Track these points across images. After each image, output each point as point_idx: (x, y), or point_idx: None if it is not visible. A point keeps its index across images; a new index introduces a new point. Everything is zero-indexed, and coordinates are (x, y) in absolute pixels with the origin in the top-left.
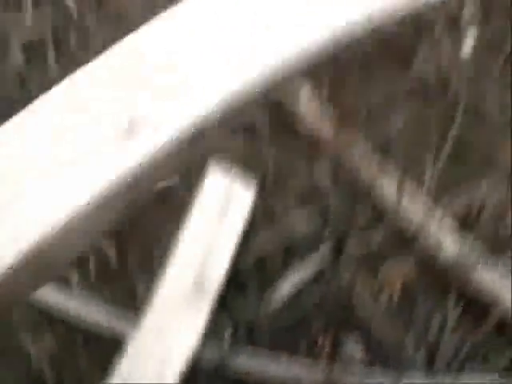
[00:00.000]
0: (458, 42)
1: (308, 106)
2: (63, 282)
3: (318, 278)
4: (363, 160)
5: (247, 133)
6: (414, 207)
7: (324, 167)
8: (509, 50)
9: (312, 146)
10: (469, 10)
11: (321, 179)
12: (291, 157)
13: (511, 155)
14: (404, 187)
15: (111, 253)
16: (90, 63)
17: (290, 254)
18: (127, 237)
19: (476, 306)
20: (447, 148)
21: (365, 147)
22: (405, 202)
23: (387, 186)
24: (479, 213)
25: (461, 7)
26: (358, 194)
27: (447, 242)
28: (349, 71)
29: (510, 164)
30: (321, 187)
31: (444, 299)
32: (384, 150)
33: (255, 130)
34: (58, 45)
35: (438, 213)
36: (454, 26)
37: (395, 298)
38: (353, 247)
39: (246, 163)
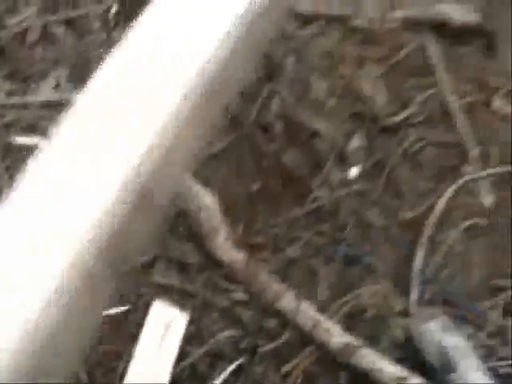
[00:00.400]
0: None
1: (224, 244)
2: None
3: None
4: (269, 281)
5: (180, 271)
6: (309, 312)
7: (240, 290)
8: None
9: (230, 275)
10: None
11: (238, 299)
12: (216, 285)
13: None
14: (301, 298)
15: (84, 378)
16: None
17: (217, 358)
18: (95, 361)
19: (363, 380)
20: (336, 263)
21: (270, 272)
22: (302, 309)
23: (288, 300)
24: (362, 312)
25: (347, 141)
26: (267, 307)
27: (335, 334)
28: (256, 210)
29: (389, 269)
30: (238, 305)
31: (337, 378)
32: (286, 270)
33: (186, 268)
34: None
35: (328, 314)
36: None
37: (299, 382)
38: (265, 347)
39: (181, 295)
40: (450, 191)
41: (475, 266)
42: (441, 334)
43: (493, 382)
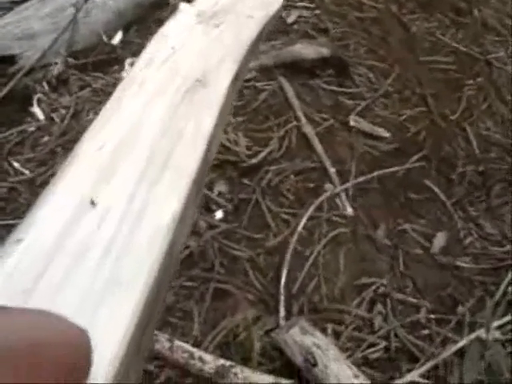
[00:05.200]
0: (211, 216)
1: None
2: None
3: None
4: None
5: None
6: (183, 348)
7: None
8: None
9: None
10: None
11: None
12: None
13: None
14: (173, 339)
15: None
16: None
17: None
18: None
19: None
20: (208, 301)
21: None
22: (176, 346)
23: (162, 341)
24: (234, 337)
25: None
26: None
27: (208, 361)
28: None
29: (259, 294)
30: None
31: None
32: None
33: None
34: None
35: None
36: (208, 205)
37: None
38: None
39: None
40: (311, 209)
41: (341, 271)
42: (301, 337)
43: (353, 367)
